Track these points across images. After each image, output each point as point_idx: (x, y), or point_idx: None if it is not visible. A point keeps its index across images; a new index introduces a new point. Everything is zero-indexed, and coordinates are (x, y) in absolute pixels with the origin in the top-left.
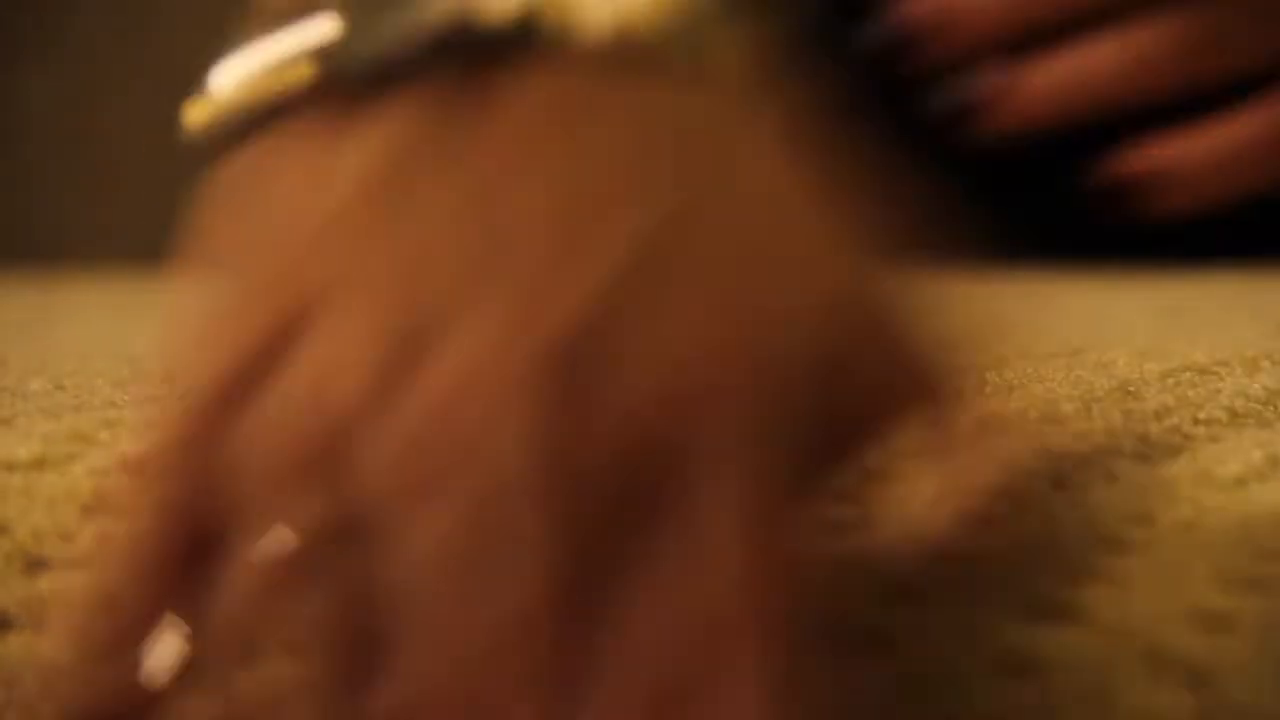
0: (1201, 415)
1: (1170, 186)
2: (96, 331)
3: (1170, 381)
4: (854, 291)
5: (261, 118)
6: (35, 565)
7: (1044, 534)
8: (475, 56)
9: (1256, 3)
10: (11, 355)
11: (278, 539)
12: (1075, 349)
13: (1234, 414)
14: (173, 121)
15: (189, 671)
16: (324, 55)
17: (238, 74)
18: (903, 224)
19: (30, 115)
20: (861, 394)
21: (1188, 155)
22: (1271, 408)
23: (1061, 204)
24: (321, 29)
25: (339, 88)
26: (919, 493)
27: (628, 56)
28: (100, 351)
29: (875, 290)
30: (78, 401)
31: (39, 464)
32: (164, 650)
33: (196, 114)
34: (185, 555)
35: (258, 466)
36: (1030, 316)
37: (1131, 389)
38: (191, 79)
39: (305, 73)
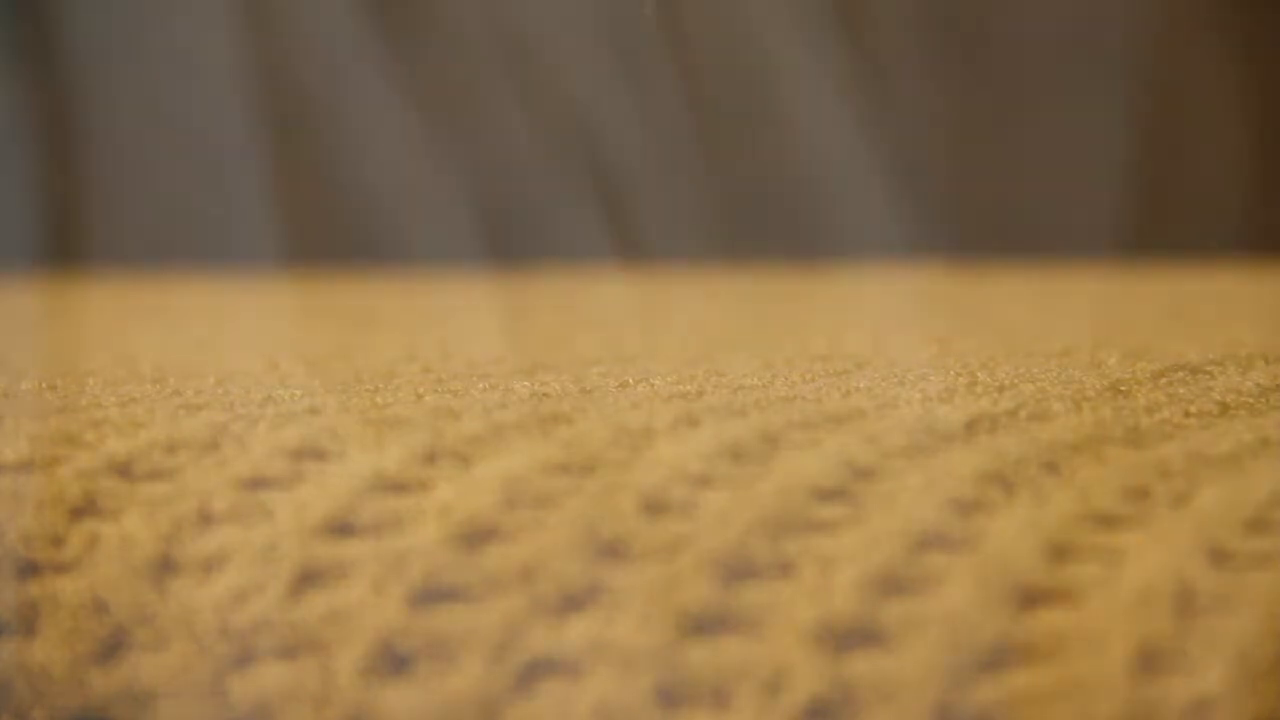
0: (1192, 409)
1: None
2: (93, 332)
3: (1163, 381)
4: None
5: None
6: (25, 570)
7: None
8: None
9: None
10: (8, 356)
11: None
12: (1067, 348)
13: (1225, 407)
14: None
15: None
16: None
17: None
18: None
19: (31, 115)
20: None
21: None
22: (1264, 402)
23: None
24: None
25: None
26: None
27: None
28: (95, 352)
29: None
30: (66, 402)
31: (26, 466)
32: None
33: None
34: None
35: None
36: (1022, 316)
37: (1123, 388)
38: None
39: None
